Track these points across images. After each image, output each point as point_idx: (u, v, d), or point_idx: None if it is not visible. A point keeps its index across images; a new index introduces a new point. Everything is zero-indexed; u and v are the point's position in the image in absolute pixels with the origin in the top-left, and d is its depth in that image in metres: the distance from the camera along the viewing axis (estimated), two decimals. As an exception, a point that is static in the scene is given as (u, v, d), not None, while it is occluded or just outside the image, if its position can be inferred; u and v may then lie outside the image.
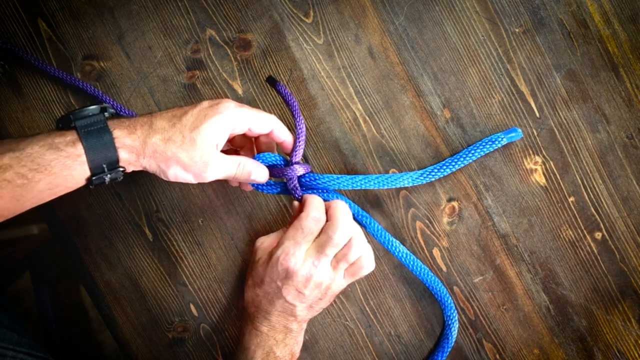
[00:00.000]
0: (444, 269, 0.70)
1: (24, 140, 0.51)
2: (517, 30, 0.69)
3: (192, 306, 0.69)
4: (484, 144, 0.67)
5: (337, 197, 0.65)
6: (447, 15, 0.69)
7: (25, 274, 1.26)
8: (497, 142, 0.67)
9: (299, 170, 0.62)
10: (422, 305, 0.70)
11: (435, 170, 0.66)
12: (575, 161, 0.70)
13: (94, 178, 0.54)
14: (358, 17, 0.69)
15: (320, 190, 0.64)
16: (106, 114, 0.55)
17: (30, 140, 0.52)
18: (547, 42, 0.69)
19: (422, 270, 0.67)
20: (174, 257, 0.69)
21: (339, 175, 0.63)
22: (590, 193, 0.70)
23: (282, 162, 0.63)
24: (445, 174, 0.67)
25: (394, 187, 0.65)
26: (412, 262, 0.66)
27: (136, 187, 0.68)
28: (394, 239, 0.66)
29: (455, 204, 0.70)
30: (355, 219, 0.65)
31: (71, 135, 0.53)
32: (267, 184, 0.64)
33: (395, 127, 0.69)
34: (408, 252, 0.66)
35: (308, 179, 0.63)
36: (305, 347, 0.70)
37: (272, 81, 0.64)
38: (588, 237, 0.70)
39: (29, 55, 0.66)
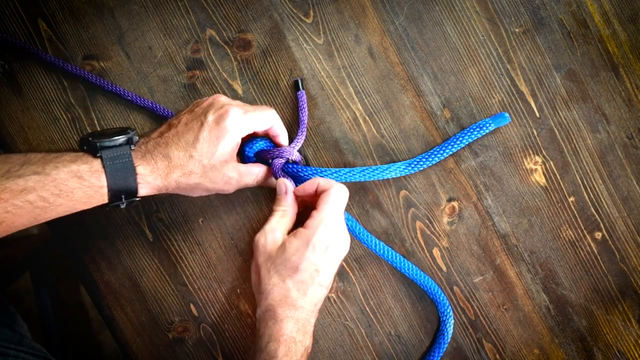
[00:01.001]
0: (444, 269, 0.70)
1: (50, 163, 0.53)
2: (517, 30, 0.69)
3: (192, 306, 0.69)
4: (472, 130, 0.67)
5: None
6: (447, 15, 0.69)
7: (25, 274, 1.26)
8: (485, 128, 0.67)
9: (295, 154, 0.64)
10: (422, 305, 0.70)
11: (424, 160, 0.67)
12: (575, 161, 0.70)
13: (111, 205, 0.57)
14: (358, 17, 0.69)
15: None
16: (132, 147, 0.57)
17: (55, 164, 0.53)
18: (547, 42, 0.69)
19: (410, 267, 0.67)
20: (174, 257, 0.69)
21: (324, 168, 0.64)
22: (590, 193, 0.70)
23: (272, 147, 0.65)
24: (435, 161, 0.67)
25: (381, 178, 0.65)
26: (400, 262, 0.67)
27: (136, 187, 0.68)
28: (372, 236, 0.66)
29: (455, 204, 0.70)
30: None
31: (96, 165, 0.55)
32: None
33: (395, 127, 0.69)
34: (388, 248, 0.66)
35: (293, 170, 0.64)
36: (305, 347, 0.70)
37: (297, 86, 0.68)
38: (588, 237, 0.70)
39: (23, 43, 0.65)
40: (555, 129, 0.69)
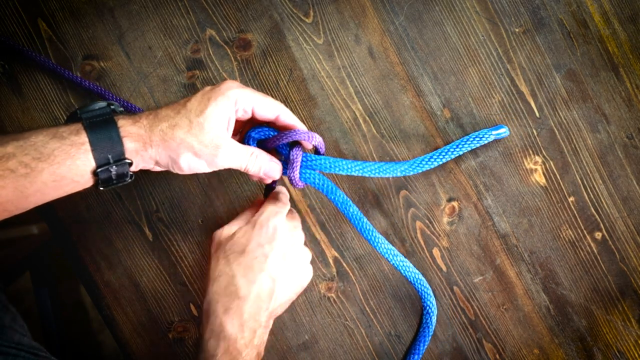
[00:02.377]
0: (444, 269, 0.70)
1: (29, 131, 0.51)
2: (517, 30, 0.69)
3: (192, 306, 0.69)
4: (471, 139, 0.66)
5: (328, 185, 0.61)
6: (447, 15, 0.69)
7: (25, 274, 1.26)
8: (484, 138, 0.67)
9: (316, 138, 0.59)
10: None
11: (423, 163, 0.65)
12: (575, 161, 0.70)
13: (99, 170, 0.52)
14: (358, 17, 0.69)
15: (313, 172, 0.61)
16: (112, 107, 0.55)
17: (34, 131, 0.51)
18: (547, 42, 0.69)
19: (394, 255, 0.64)
20: (174, 257, 0.69)
21: (333, 158, 0.61)
22: (590, 193, 0.70)
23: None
24: (434, 166, 0.65)
25: (378, 176, 0.63)
26: (391, 255, 0.64)
27: (136, 187, 0.68)
28: (362, 216, 0.62)
29: (455, 204, 0.70)
30: (329, 198, 0.62)
31: (76, 125, 0.52)
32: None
33: (395, 127, 0.69)
34: (380, 236, 0.63)
35: (305, 159, 0.60)
36: (305, 347, 0.70)
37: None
38: (588, 237, 0.70)
39: (26, 49, 0.66)
40: (555, 129, 0.69)
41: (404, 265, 0.65)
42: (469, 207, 0.70)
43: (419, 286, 0.67)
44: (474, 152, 0.69)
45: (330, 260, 0.70)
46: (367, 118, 0.69)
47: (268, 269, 0.56)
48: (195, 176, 0.69)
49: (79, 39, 0.67)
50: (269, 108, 0.57)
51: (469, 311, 0.70)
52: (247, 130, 0.61)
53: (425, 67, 0.69)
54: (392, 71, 0.69)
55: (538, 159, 0.70)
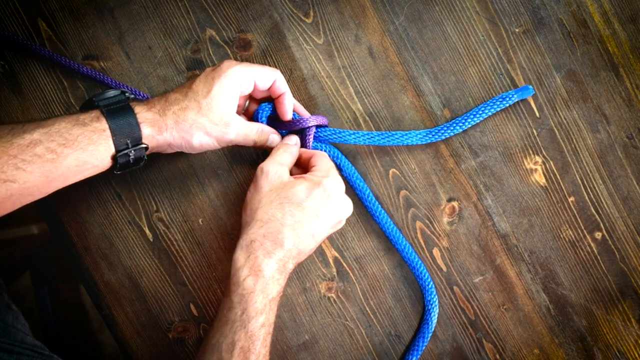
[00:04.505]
0: (444, 269, 0.70)
1: (51, 119, 0.54)
2: (517, 30, 0.69)
3: (192, 306, 0.69)
4: (495, 101, 0.67)
5: (334, 152, 0.67)
6: (447, 15, 0.69)
7: (25, 274, 1.26)
8: (507, 100, 0.67)
9: (320, 118, 0.65)
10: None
11: (445, 129, 0.67)
12: (575, 161, 0.70)
13: (118, 155, 0.55)
14: (358, 17, 0.69)
15: (325, 143, 0.67)
16: (126, 95, 0.59)
17: (56, 118, 0.54)
18: (547, 42, 0.69)
19: (406, 246, 0.68)
20: (174, 257, 0.69)
21: (344, 130, 0.66)
22: (590, 193, 0.70)
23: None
24: (455, 132, 0.67)
25: (399, 144, 0.67)
26: (396, 236, 0.68)
27: (136, 187, 0.68)
28: (374, 197, 0.68)
29: (455, 204, 0.70)
30: (340, 170, 0.68)
31: (95, 112, 0.56)
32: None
33: (395, 127, 0.69)
34: (393, 223, 0.68)
35: (317, 131, 0.66)
36: (305, 347, 0.70)
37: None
38: (588, 237, 0.70)
39: (23, 39, 0.65)
40: (555, 129, 0.69)
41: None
42: (469, 207, 0.70)
43: (418, 272, 0.68)
44: (474, 152, 0.69)
45: (330, 260, 0.70)
46: (367, 118, 0.69)
47: (315, 229, 0.59)
48: (195, 176, 0.69)
49: (79, 39, 0.67)
50: (268, 77, 0.61)
51: (469, 311, 0.70)
52: (250, 106, 0.66)
53: (425, 67, 0.69)
54: (392, 71, 0.69)
55: (538, 159, 0.70)
